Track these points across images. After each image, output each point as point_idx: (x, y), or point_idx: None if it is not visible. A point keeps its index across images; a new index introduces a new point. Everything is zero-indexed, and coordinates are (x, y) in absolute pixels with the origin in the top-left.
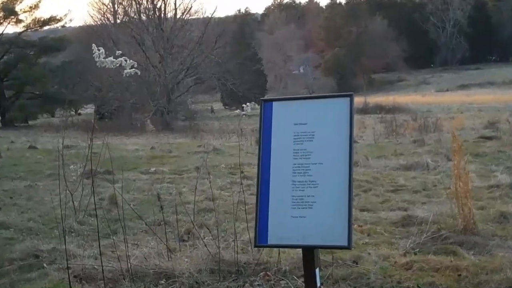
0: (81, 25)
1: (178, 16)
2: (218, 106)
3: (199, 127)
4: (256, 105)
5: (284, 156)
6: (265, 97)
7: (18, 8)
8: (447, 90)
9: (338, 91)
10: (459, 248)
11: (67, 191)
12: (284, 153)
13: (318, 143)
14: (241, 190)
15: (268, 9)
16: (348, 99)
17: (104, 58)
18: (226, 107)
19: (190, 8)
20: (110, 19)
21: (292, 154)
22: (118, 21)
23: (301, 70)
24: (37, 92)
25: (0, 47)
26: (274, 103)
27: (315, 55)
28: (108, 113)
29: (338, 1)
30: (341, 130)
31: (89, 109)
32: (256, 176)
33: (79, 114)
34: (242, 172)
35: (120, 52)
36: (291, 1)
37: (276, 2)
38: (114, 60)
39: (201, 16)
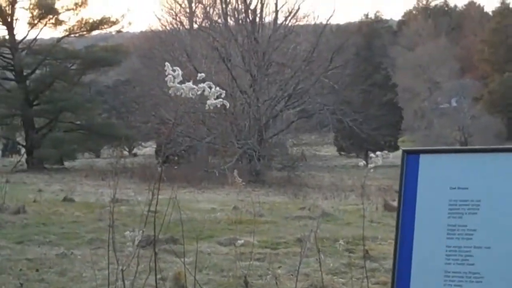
0: (144, 30)
1: (279, 22)
2: (330, 151)
3: (302, 181)
4: (390, 154)
5: (434, 234)
6: (401, 141)
7: (58, 4)
8: None
9: (510, 136)
10: None
11: (117, 266)
12: (434, 229)
13: (484, 218)
14: (364, 276)
15: (408, 15)
16: None
17: (180, 82)
18: (342, 153)
19: (297, 11)
20: (185, 24)
21: (445, 231)
22: (196, 25)
23: (454, 104)
24: (78, 122)
25: (31, 58)
26: (421, 156)
27: (475, 82)
28: (175, 155)
29: None
30: None
31: (148, 149)
32: (392, 259)
33: (135, 155)
34: (366, 251)
35: (203, 75)
36: (442, 4)
37: (421, 5)
38: (194, 86)
39: (312, 23)
